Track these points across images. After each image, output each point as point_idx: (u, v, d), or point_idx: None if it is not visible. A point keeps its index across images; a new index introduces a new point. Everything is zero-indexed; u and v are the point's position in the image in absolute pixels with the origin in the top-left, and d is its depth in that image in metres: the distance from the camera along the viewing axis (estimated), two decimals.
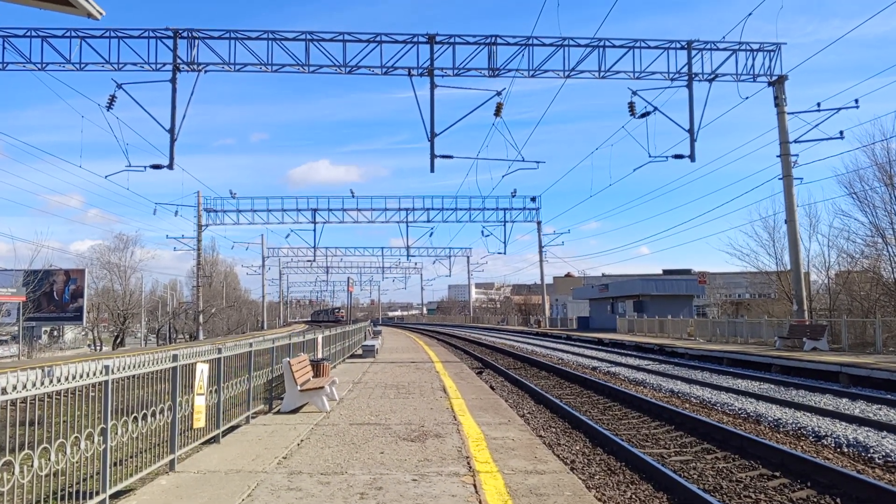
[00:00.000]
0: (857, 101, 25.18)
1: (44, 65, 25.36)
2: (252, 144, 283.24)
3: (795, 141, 27.01)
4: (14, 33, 25.19)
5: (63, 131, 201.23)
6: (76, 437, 5.10)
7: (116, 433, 5.69)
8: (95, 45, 25.34)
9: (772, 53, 26.97)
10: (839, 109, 25.65)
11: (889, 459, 9.24)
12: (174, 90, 24.84)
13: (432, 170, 25.96)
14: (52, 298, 54.32)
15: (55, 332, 60.09)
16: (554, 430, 12.15)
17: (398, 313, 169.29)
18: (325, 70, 26.14)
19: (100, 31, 25.24)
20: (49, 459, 4.71)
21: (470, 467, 6.98)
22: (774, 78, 27.07)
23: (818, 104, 26.02)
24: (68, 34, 25.23)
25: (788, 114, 27.20)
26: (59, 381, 4.84)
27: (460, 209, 56.41)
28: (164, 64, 25.32)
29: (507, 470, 6.88)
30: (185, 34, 25.35)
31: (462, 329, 75.28)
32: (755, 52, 26.94)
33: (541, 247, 64.02)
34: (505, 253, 58.37)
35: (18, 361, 32.33)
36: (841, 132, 26.26)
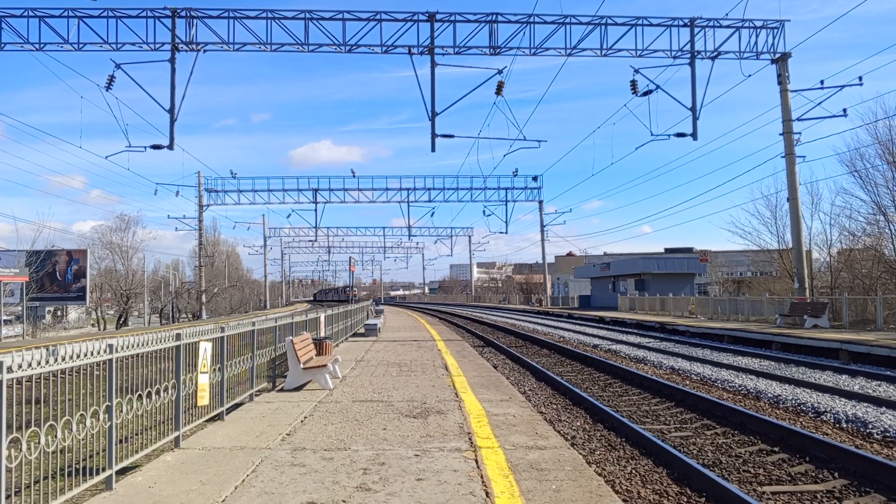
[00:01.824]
0: (860, 78, 24.97)
1: (42, 45, 25.19)
2: (254, 125, 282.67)
3: (798, 119, 26.86)
4: (11, 13, 25.01)
5: (62, 112, 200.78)
6: (82, 415, 5.15)
7: (121, 411, 5.76)
8: (93, 25, 25.17)
9: (775, 31, 26.71)
10: (843, 87, 25.46)
11: (887, 434, 9.32)
12: (173, 70, 24.71)
13: (433, 149, 25.90)
14: (55, 279, 54.49)
15: (59, 313, 60.37)
16: (555, 406, 12.25)
17: (400, 293, 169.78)
18: (324, 49, 25.98)
19: (98, 10, 25.06)
20: (56, 437, 4.77)
21: (471, 443, 7.06)
22: (778, 55, 26.84)
23: (821, 82, 25.84)
24: (66, 14, 25.03)
25: (791, 91, 27.01)
26: (63, 359, 4.88)
27: (462, 189, 56.28)
28: (163, 44, 25.15)
29: (508, 445, 6.96)
30: (183, 13, 25.15)
31: (464, 308, 75.53)
32: (758, 30, 26.68)
33: (542, 226, 63.99)
34: (506, 232, 58.19)
35: (23, 341, 32.55)
36: (844, 110, 26.08)
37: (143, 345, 6.20)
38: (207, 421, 8.08)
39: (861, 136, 37.70)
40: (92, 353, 5.30)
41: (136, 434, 6.29)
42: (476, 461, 6.31)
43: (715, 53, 26.61)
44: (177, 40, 24.98)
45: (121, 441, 5.91)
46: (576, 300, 66.00)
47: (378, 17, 25.63)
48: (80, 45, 25.32)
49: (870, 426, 9.76)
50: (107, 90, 25.06)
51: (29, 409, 4.70)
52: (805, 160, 27.63)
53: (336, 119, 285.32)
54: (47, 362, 4.67)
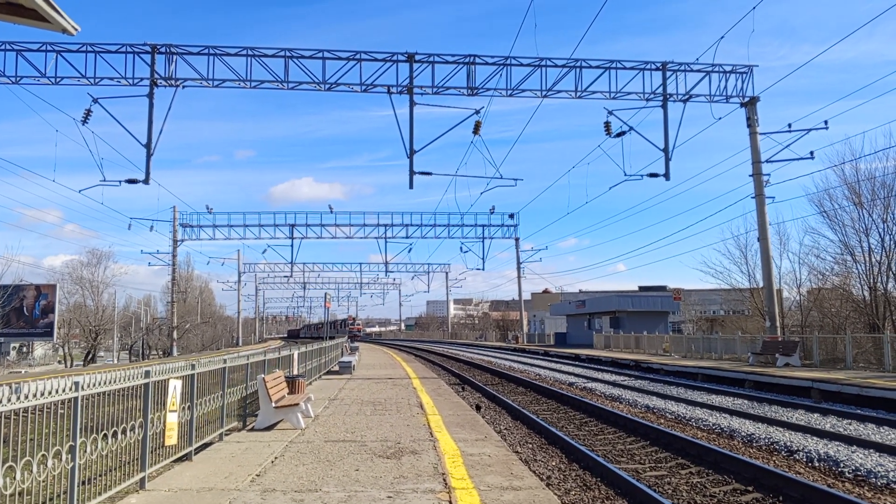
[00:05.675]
0: (826, 122, 25.77)
1: (18, 78, 25.06)
2: (236, 161, 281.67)
3: (767, 161, 27.55)
4: None
5: (37, 145, 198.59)
6: (43, 456, 5.00)
7: (85, 451, 5.59)
8: (71, 60, 25.14)
9: (744, 75, 27.56)
10: (809, 130, 26.24)
11: (858, 473, 9.38)
12: (151, 105, 24.68)
13: (411, 186, 26.01)
14: (22, 314, 53.23)
15: (24, 349, 58.82)
16: (531, 445, 12.16)
17: (376, 329, 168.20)
18: (304, 87, 26.18)
19: (76, 45, 25.05)
20: (14, 478, 4.62)
21: (446, 484, 6.97)
22: (747, 99, 27.65)
23: (789, 125, 26.62)
24: (44, 48, 24.99)
25: (760, 134, 27.75)
26: (27, 397, 4.75)
27: (439, 225, 56.55)
28: (142, 79, 25.17)
29: (482, 486, 6.87)
30: (162, 49, 25.25)
31: (440, 345, 75.09)
32: (728, 74, 27.51)
33: (519, 263, 64.33)
34: (483, 269, 58.40)
35: None
36: (811, 152, 26.89)
37: (110, 382, 6.06)
38: (175, 461, 7.88)
39: (830, 177, 38.82)
40: (57, 391, 5.16)
41: (100, 475, 6.10)
42: (450, 502, 6.22)
43: (686, 96, 27.34)
44: (156, 76, 25.02)
45: (84, 482, 5.73)
46: (552, 337, 66.02)
47: (358, 56, 25.97)
48: (58, 80, 25.23)
49: (841, 465, 9.83)
50: (83, 124, 24.92)
51: None
52: (774, 201, 28.22)
53: (317, 156, 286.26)
54: (10, 400, 4.54)
